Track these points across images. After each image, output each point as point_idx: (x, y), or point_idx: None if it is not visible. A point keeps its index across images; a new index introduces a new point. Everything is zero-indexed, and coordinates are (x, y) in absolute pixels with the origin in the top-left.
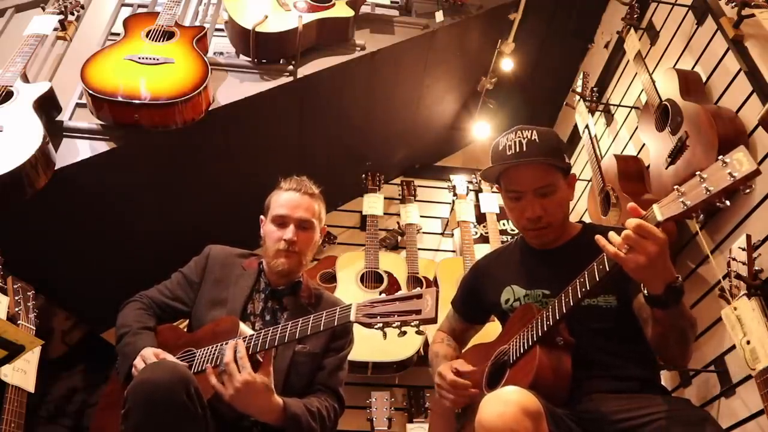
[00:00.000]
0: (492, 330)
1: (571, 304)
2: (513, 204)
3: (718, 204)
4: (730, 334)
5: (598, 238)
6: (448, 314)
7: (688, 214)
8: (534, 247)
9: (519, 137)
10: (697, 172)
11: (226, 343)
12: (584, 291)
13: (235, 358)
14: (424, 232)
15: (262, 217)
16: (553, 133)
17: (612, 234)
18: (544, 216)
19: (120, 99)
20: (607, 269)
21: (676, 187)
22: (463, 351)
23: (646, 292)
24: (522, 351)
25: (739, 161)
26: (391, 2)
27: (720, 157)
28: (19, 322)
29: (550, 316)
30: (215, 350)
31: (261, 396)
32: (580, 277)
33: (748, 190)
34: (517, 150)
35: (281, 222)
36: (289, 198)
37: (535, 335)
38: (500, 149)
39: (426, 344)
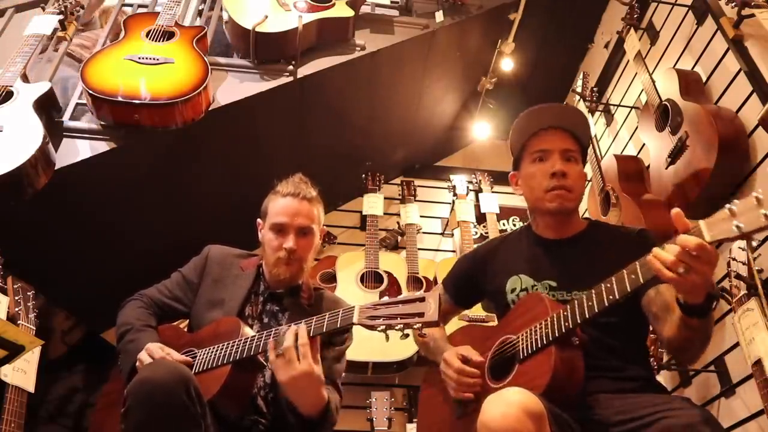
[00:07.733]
0: None
1: (596, 310)
2: (537, 165)
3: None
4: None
5: (652, 260)
6: None
7: (739, 239)
8: (545, 233)
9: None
10: (754, 193)
11: (280, 328)
12: (611, 299)
13: (296, 345)
14: (424, 232)
15: (259, 220)
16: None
17: (660, 252)
18: (568, 178)
19: (120, 99)
20: (641, 281)
21: (728, 206)
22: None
23: (683, 301)
24: (534, 348)
25: None
26: (391, 2)
27: None
28: (19, 322)
29: (569, 317)
30: (236, 343)
31: (314, 387)
32: (607, 283)
33: None
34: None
35: (280, 229)
36: (287, 204)
37: (551, 334)
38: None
39: None
